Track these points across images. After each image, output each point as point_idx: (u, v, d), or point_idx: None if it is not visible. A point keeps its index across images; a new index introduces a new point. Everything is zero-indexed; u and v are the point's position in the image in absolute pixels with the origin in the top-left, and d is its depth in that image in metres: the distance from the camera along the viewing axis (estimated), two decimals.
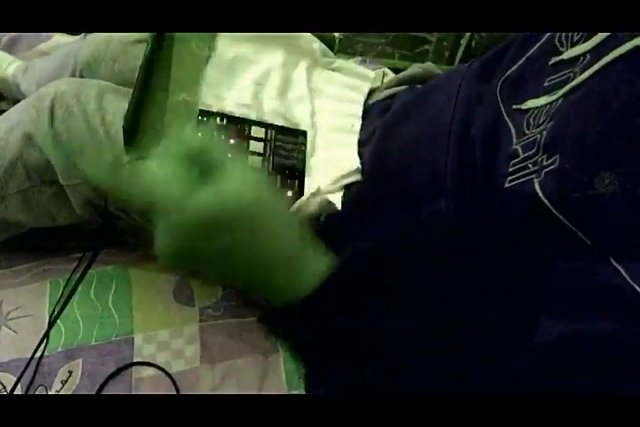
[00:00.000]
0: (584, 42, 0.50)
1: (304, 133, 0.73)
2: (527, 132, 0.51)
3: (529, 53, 0.57)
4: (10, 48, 1.20)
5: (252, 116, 0.72)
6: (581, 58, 0.50)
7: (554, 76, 0.52)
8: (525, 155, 0.49)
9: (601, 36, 0.48)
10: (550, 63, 0.53)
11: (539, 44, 0.57)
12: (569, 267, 0.44)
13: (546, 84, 0.52)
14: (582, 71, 0.48)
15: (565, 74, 0.51)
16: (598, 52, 0.48)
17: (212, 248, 0.41)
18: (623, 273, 0.39)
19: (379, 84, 0.86)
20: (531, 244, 0.48)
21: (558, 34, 0.54)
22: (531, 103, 0.53)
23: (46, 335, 0.77)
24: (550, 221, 0.45)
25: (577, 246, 0.43)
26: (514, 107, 0.54)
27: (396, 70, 0.92)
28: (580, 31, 0.52)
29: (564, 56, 0.52)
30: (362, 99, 0.79)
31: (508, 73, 0.58)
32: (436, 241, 0.59)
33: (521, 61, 0.57)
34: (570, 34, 0.53)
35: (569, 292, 0.43)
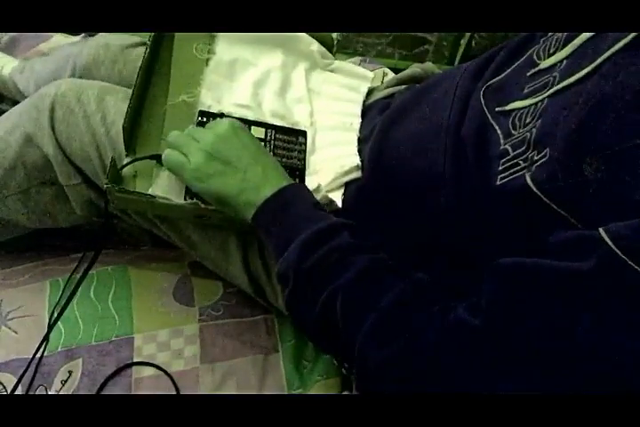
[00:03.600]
0: (560, 51, 0.54)
1: (303, 133, 0.73)
2: (514, 132, 0.53)
3: (509, 69, 0.61)
4: (10, 48, 1.20)
5: (252, 116, 0.72)
6: (558, 64, 0.53)
7: (533, 83, 0.55)
8: (515, 153, 0.51)
9: (575, 44, 0.52)
10: (528, 74, 0.57)
11: (520, 61, 0.60)
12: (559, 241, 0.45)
13: (526, 91, 0.55)
14: (564, 75, 0.51)
15: (544, 79, 0.54)
16: (576, 57, 0.51)
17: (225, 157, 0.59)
18: (604, 236, 0.41)
19: (379, 83, 0.86)
20: (525, 231, 0.49)
21: (537, 49, 0.58)
22: (514, 105, 0.55)
23: (46, 336, 0.77)
24: (542, 210, 0.46)
25: (567, 229, 0.45)
26: (497, 109, 0.57)
27: (396, 70, 0.92)
28: (577, 31, 0.53)
29: (542, 66, 0.56)
30: (360, 98, 0.80)
31: (490, 82, 0.61)
32: (437, 235, 0.60)
33: (503, 74, 0.61)
34: (547, 47, 0.56)
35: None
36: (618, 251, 0.39)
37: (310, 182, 0.69)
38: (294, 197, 0.59)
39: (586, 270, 0.41)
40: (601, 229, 0.41)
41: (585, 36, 0.52)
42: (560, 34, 0.56)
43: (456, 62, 1.47)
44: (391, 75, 0.92)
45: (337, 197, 0.68)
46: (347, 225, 0.57)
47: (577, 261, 0.42)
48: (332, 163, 0.71)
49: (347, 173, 0.69)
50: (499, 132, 0.55)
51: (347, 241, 0.54)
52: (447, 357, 0.47)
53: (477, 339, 0.46)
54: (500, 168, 0.52)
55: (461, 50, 1.45)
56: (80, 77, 0.90)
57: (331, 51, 0.85)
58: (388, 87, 0.82)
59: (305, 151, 0.72)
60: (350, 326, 0.51)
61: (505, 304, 0.45)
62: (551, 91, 0.51)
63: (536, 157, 0.48)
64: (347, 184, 0.69)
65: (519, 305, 0.44)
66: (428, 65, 0.85)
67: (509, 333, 0.44)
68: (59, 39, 1.21)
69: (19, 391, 0.73)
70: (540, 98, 0.52)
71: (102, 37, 0.91)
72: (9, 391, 0.73)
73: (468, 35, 1.43)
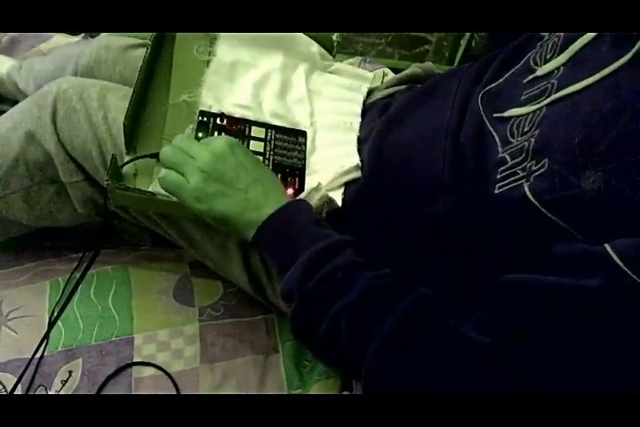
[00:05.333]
0: (556, 57, 0.54)
1: (303, 134, 0.73)
2: (512, 140, 0.53)
3: (506, 75, 0.61)
4: (10, 48, 1.20)
5: (252, 117, 0.72)
6: (555, 71, 0.54)
7: (530, 90, 0.55)
8: (513, 162, 0.51)
9: (571, 51, 0.52)
10: (525, 81, 0.57)
11: (517, 66, 0.60)
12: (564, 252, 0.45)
13: (523, 97, 0.55)
14: (562, 84, 0.51)
15: (542, 86, 0.54)
16: (574, 64, 0.52)
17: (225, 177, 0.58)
18: (611, 253, 0.41)
19: (379, 83, 0.86)
20: (525, 240, 0.49)
21: (534, 54, 0.58)
22: (512, 112, 0.55)
23: (46, 335, 0.77)
24: (542, 221, 0.46)
25: (569, 240, 0.45)
26: (495, 115, 0.57)
27: (396, 70, 0.92)
28: (578, 31, 0.53)
29: (539, 73, 0.56)
30: (360, 98, 0.80)
31: (488, 87, 0.61)
32: (436, 238, 0.60)
33: (501, 80, 0.61)
34: (544, 52, 0.57)
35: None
36: (626, 269, 0.40)
37: (310, 182, 0.69)
38: (295, 215, 0.57)
39: (594, 288, 0.41)
40: (607, 246, 0.41)
41: (581, 42, 0.52)
42: (556, 38, 0.56)
43: (456, 62, 1.47)
44: (391, 75, 0.92)
45: (337, 197, 0.68)
46: (349, 242, 0.55)
47: (583, 278, 0.42)
48: (332, 162, 0.71)
49: (346, 172, 0.69)
50: (497, 139, 0.55)
51: (349, 259, 0.53)
52: (456, 379, 0.47)
53: (488, 358, 0.45)
54: (499, 177, 0.52)
55: (461, 50, 1.45)
56: (81, 77, 0.90)
57: (330, 53, 0.85)
58: (387, 87, 0.82)
59: (305, 151, 0.72)
60: (357, 347, 0.50)
61: (515, 323, 0.45)
62: (550, 99, 0.51)
63: (534, 168, 0.48)
64: (347, 184, 0.69)
65: (529, 323, 0.44)
66: (428, 65, 0.85)
67: (520, 351, 0.44)
68: (59, 39, 1.21)
69: (18, 391, 0.73)
70: (539, 106, 0.52)
71: (103, 38, 0.91)
72: (9, 391, 0.73)
73: (467, 35, 1.43)
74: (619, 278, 0.40)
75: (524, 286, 0.45)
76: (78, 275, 0.81)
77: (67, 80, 0.74)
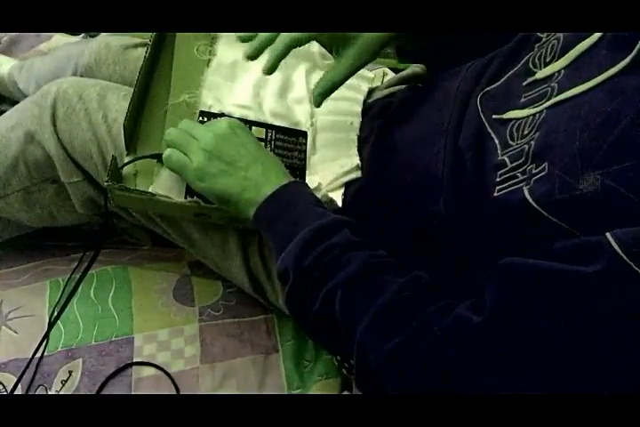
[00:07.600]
0: (556, 61, 0.54)
1: (304, 134, 0.73)
2: (512, 143, 0.53)
3: (505, 77, 0.60)
4: (10, 48, 1.20)
5: (252, 117, 0.72)
6: (556, 74, 0.54)
7: (530, 93, 0.55)
8: (513, 165, 0.51)
9: (572, 55, 0.52)
10: (524, 84, 0.57)
11: (516, 68, 0.60)
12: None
13: (523, 100, 0.55)
14: (563, 87, 0.51)
15: (542, 89, 0.54)
16: (574, 68, 0.52)
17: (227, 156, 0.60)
18: (611, 240, 0.41)
19: (379, 83, 0.86)
20: (526, 240, 0.49)
21: (532, 56, 0.58)
22: (512, 114, 0.55)
23: (46, 335, 0.77)
24: (543, 222, 0.47)
25: (571, 238, 0.45)
26: (494, 117, 0.57)
27: (396, 70, 0.92)
28: (579, 31, 0.53)
29: (538, 76, 0.56)
30: (361, 98, 0.80)
31: (488, 89, 0.61)
32: (436, 238, 0.60)
33: (500, 81, 0.61)
34: (543, 55, 0.56)
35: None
36: (624, 255, 0.40)
37: (311, 182, 0.69)
38: (294, 194, 0.59)
39: (591, 273, 0.41)
40: (608, 234, 0.41)
41: (582, 46, 0.52)
42: (555, 41, 0.56)
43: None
44: (391, 75, 0.92)
45: (337, 197, 0.68)
46: (347, 222, 0.57)
47: (582, 264, 0.42)
48: (332, 163, 0.71)
49: (347, 172, 0.69)
50: (496, 141, 0.55)
51: (347, 238, 0.55)
52: (446, 353, 0.47)
53: (478, 336, 0.46)
54: (498, 180, 0.52)
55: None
56: (82, 77, 0.90)
57: (330, 52, 0.85)
58: (388, 87, 0.82)
59: (305, 151, 0.72)
60: (350, 322, 0.51)
61: (508, 303, 0.45)
62: (550, 102, 0.51)
63: (534, 171, 0.48)
64: (347, 184, 0.69)
65: (522, 304, 0.44)
66: None
67: (511, 331, 0.44)
68: (59, 39, 1.21)
69: (18, 391, 0.73)
70: (539, 109, 0.52)
71: (103, 38, 0.91)
72: (9, 391, 0.73)
73: None
74: (616, 264, 0.40)
75: (521, 268, 0.45)
76: (78, 275, 0.81)
77: (67, 80, 0.74)
